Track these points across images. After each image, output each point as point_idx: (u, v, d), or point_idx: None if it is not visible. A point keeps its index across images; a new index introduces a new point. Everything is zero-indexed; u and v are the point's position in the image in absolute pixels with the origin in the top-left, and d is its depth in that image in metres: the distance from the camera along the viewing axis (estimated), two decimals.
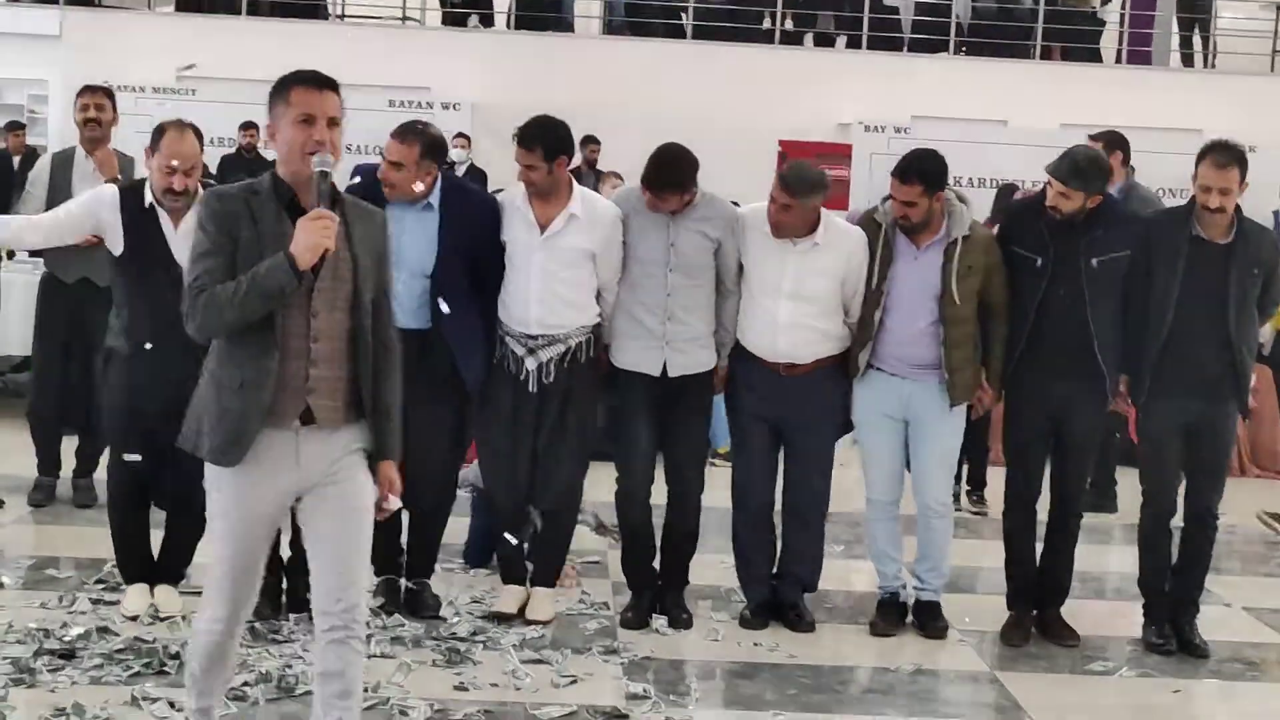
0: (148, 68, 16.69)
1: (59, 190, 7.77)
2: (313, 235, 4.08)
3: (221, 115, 15.15)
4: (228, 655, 4.49)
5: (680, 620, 6.53)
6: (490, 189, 9.24)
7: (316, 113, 4.18)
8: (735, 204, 6.68)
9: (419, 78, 17.10)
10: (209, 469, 4.28)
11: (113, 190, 6.29)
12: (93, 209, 6.23)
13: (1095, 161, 6.38)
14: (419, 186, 6.20)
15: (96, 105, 8.01)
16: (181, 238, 6.05)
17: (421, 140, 6.22)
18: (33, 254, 8.55)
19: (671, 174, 6.24)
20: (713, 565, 7.10)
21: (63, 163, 8.01)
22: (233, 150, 15.44)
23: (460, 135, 15.54)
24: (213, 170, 13.48)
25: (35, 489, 8.11)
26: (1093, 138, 8.10)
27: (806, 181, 6.27)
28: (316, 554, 4.34)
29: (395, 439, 4.42)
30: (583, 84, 16.27)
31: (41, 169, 8.07)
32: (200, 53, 16.96)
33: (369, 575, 4.31)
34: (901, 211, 6.29)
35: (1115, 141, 8.33)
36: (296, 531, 6.35)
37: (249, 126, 15.02)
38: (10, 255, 8.81)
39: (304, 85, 4.22)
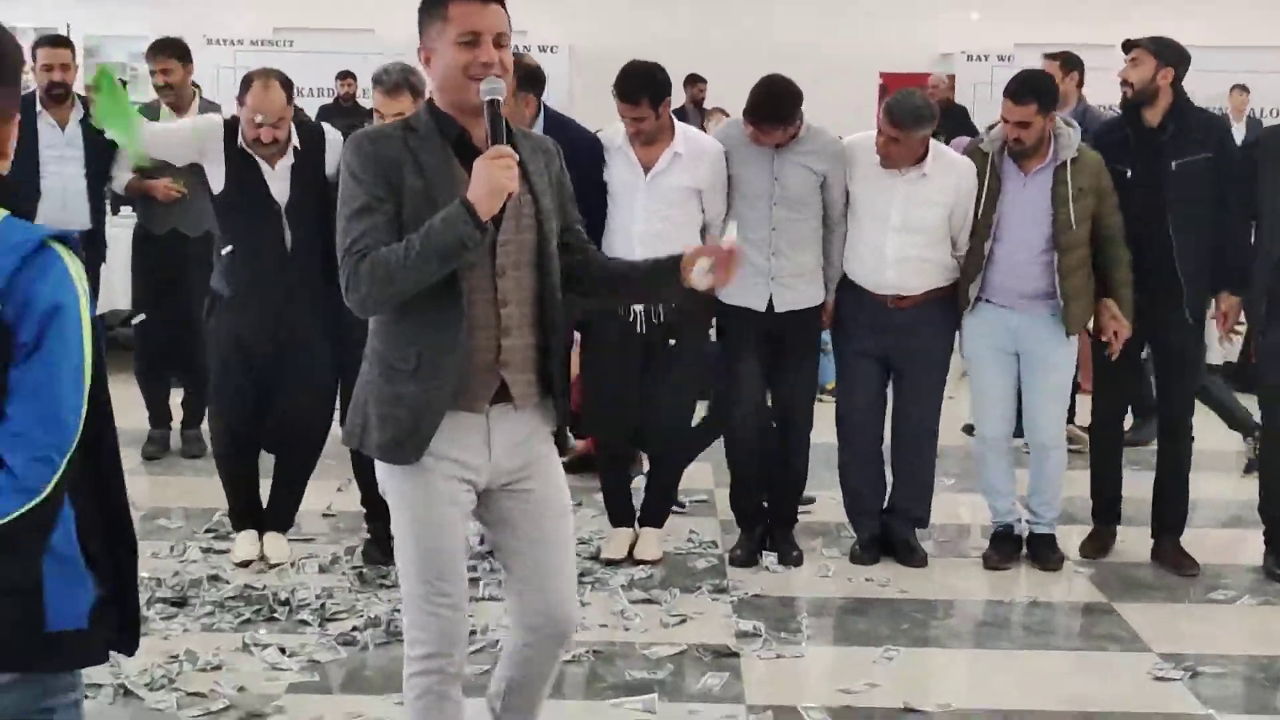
0: (244, 21, 16.76)
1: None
2: (494, 177, 3.37)
3: (318, 66, 15.22)
4: (449, 711, 3.75)
5: (790, 557, 6.47)
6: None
7: (482, 29, 3.51)
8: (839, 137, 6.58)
9: (517, 21, 16.98)
10: (381, 468, 3.65)
11: (219, 121, 6.29)
12: (204, 132, 6.21)
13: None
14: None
15: (163, 70, 7.95)
16: (278, 177, 6.06)
17: (517, 71, 6.14)
18: (126, 205, 8.52)
19: (775, 106, 6.13)
20: (822, 501, 7.03)
21: (150, 115, 7.95)
22: (330, 100, 15.46)
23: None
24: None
25: (148, 441, 8.19)
26: (1048, 56, 8.22)
27: (913, 113, 6.14)
28: (515, 564, 3.72)
29: (564, 425, 3.81)
30: (682, 22, 16.17)
31: None
32: (296, 4, 17.01)
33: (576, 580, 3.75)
34: (1015, 134, 6.14)
35: (1071, 62, 8.32)
36: None
37: (346, 76, 15.04)
38: (115, 210, 8.84)
39: None
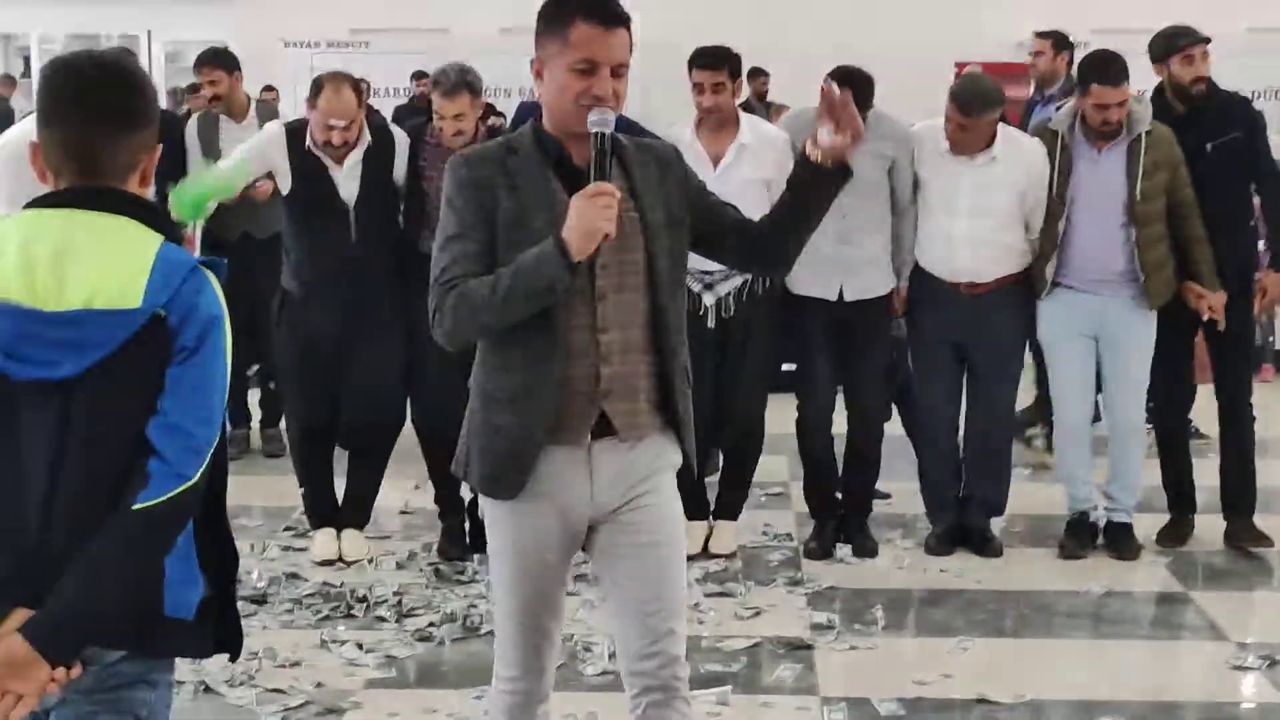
0: (321, 23, 16.90)
1: (210, 150, 7.87)
2: (590, 218, 3.16)
3: (394, 66, 15.34)
4: None
5: (865, 548, 6.47)
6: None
7: (601, 59, 3.28)
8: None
9: None
10: (482, 502, 3.51)
11: (279, 130, 6.33)
12: (263, 150, 6.27)
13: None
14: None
15: (210, 82, 8.05)
16: (346, 176, 6.12)
17: None
18: None
19: (853, 94, 6.11)
20: (897, 492, 7.01)
21: (207, 125, 8.05)
22: (406, 100, 15.57)
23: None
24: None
25: (229, 443, 8.24)
26: (1039, 35, 8.57)
27: (981, 97, 6.11)
28: (620, 600, 3.46)
29: (691, 456, 3.51)
30: (748, 15, 16.13)
31: (191, 133, 8.07)
32: (372, 5, 17.12)
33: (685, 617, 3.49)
34: (1103, 116, 6.10)
35: (1061, 43, 8.63)
36: None
37: (420, 76, 15.12)
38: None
39: (590, 20, 3.29)
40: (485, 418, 3.38)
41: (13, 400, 2.59)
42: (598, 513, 3.39)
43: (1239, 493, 6.52)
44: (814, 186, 3.50)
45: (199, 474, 2.60)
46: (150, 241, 2.67)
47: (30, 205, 2.70)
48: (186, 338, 2.63)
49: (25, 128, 5.59)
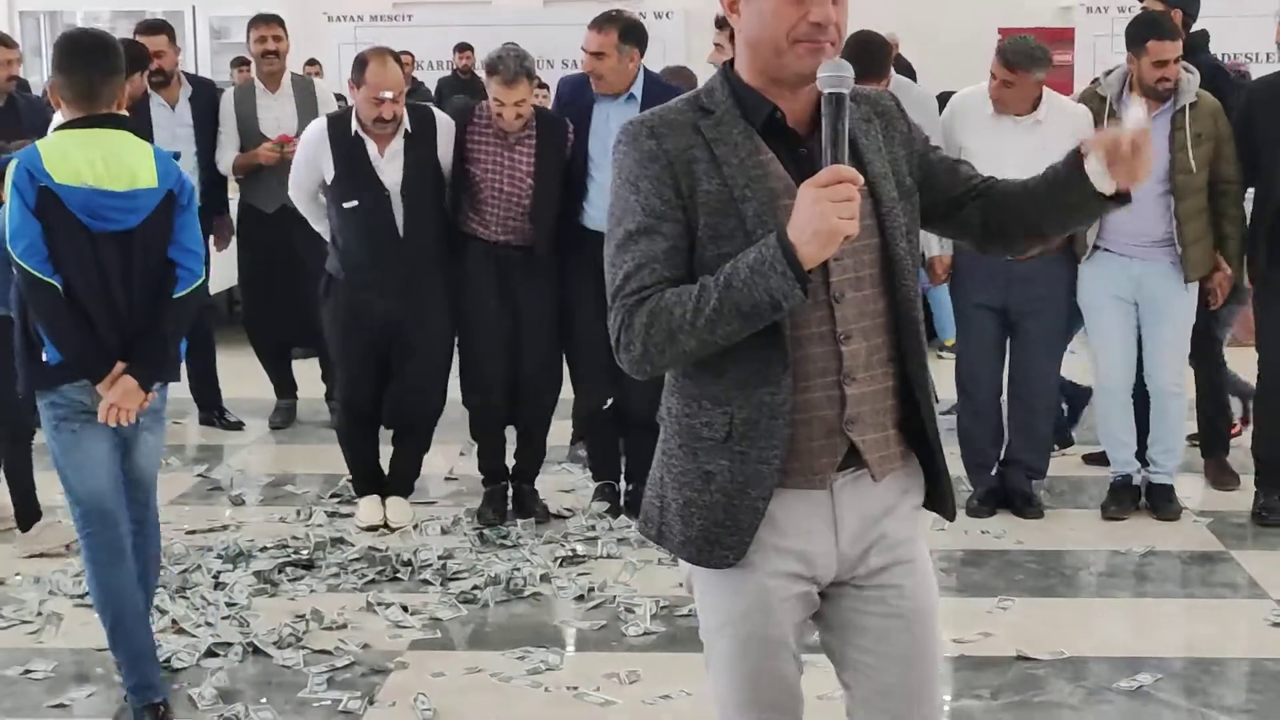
0: None
1: (247, 123, 7.97)
2: (826, 216, 2.46)
3: (436, 39, 15.39)
4: None
5: None
6: None
7: None
8: (950, 93, 6.60)
9: None
10: (687, 569, 2.81)
11: (320, 124, 6.38)
12: (309, 153, 6.31)
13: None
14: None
15: (274, 37, 8.12)
16: (387, 161, 6.15)
17: (618, 25, 6.18)
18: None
19: (866, 60, 6.11)
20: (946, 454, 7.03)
21: (244, 97, 8.13)
22: (449, 73, 15.62)
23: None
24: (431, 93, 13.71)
25: (275, 412, 8.36)
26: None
27: (1027, 54, 6.10)
28: (859, 683, 2.81)
29: (949, 489, 2.84)
30: None
31: (226, 107, 8.12)
32: None
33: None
34: (1161, 73, 6.08)
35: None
36: (522, 422, 6.48)
37: (464, 49, 15.16)
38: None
39: None
40: (689, 463, 2.69)
41: (94, 243, 4.37)
42: (841, 567, 2.74)
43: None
44: (1070, 207, 2.90)
45: (203, 275, 4.59)
46: (144, 145, 4.54)
47: (61, 129, 4.50)
48: (182, 200, 4.52)
49: None
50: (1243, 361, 7.02)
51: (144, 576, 4.65)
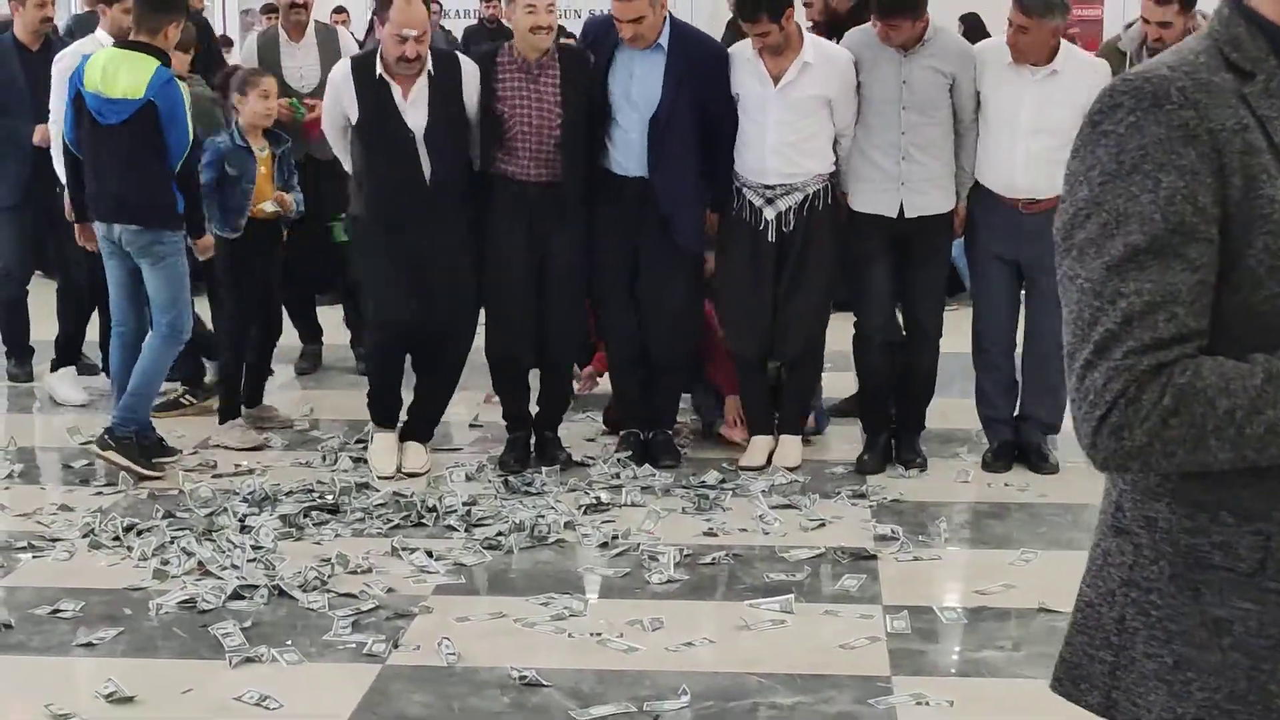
0: None
1: (271, 70, 7.91)
2: None
3: None
4: None
5: (913, 463, 6.50)
6: None
7: None
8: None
9: None
10: None
11: (344, 65, 6.39)
12: (334, 95, 6.32)
13: None
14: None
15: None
16: (413, 105, 6.15)
17: None
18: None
19: None
20: (963, 408, 7.02)
21: (268, 44, 8.12)
22: (475, 22, 15.58)
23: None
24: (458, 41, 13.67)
25: (300, 357, 8.39)
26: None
27: (1043, 1, 6.08)
28: None
29: None
30: None
31: (250, 51, 8.18)
32: None
33: None
34: (1156, 34, 6.07)
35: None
36: (543, 366, 6.51)
37: None
38: None
39: None
40: (1186, 603, 1.86)
41: (98, 131, 6.28)
42: None
43: None
44: None
45: (189, 146, 6.25)
46: (150, 67, 6.19)
47: (112, 47, 6.42)
48: (163, 110, 6.17)
49: None
50: None
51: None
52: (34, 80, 7.55)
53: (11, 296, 8.03)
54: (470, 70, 6.25)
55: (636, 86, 6.22)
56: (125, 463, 6.21)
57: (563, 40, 6.67)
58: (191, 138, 6.29)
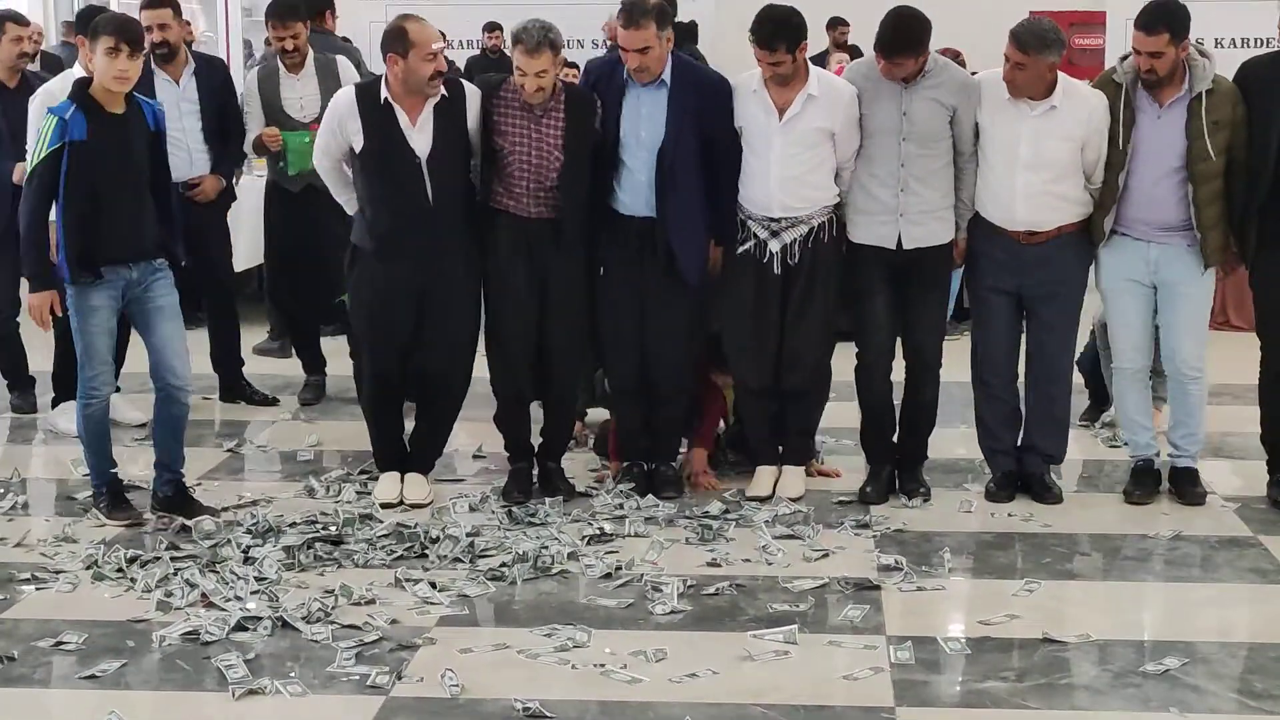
0: None
1: (270, 103, 7.99)
2: None
3: (466, 17, 15.42)
4: None
5: (917, 493, 6.50)
6: None
7: None
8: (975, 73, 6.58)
9: None
10: None
11: (347, 93, 6.39)
12: (335, 123, 6.29)
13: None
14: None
15: (291, 36, 8.01)
16: (418, 130, 6.16)
17: (652, 14, 6.10)
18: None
19: (906, 36, 6.10)
20: (968, 438, 7.02)
21: (267, 76, 8.12)
22: (478, 52, 15.65)
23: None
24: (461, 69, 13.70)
25: (304, 388, 8.38)
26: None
27: (1038, 36, 6.07)
28: None
29: None
30: None
31: (251, 86, 8.17)
32: None
33: None
34: (1147, 65, 6.07)
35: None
36: (546, 398, 6.52)
37: (493, 28, 15.19)
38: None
39: None
40: None
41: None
42: None
43: None
44: None
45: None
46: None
47: None
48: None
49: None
50: (1245, 349, 6.97)
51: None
52: (11, 118, 7.55)
53: (2, 331, 8.03)
54: (474, 95, 6.27)
55: (645, 125, 6.23)
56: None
57: (567, 78, 6.67)
58: None
